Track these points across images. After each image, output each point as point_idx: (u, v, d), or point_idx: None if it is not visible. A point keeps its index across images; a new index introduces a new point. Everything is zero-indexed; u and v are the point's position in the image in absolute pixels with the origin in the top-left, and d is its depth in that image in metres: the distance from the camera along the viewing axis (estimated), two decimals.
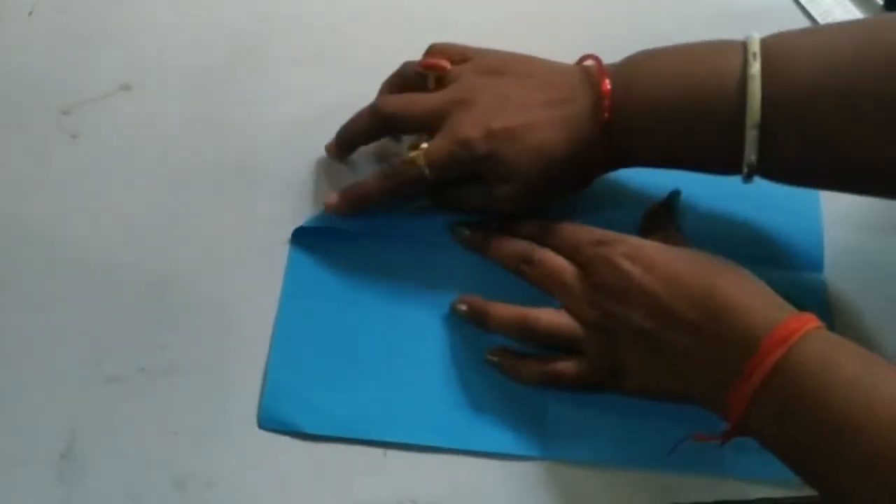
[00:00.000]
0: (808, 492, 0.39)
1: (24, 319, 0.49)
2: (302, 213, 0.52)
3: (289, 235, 0.52)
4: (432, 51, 0.51)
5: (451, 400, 0.47)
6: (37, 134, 0.55)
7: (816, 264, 0.51)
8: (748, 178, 0.44)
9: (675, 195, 0.50)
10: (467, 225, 0.50)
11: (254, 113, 0.56)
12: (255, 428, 0.47)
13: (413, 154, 0.47)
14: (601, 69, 0.46)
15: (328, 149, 0.53)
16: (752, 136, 0.42)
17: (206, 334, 0.49)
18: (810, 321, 0.39)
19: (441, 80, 0.49)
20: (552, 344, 0.46)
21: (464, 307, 0.48)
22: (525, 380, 0.47)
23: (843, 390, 0.37)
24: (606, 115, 0.45)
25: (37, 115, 0.56)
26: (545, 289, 0.47)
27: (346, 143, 0.52)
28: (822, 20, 0.61)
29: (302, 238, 0.52)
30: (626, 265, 0.44)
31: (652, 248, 0.45)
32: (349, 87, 0.56)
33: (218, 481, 0.46)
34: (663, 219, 0.50)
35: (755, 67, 0.42)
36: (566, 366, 0.46)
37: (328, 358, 0.48)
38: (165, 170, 0.54)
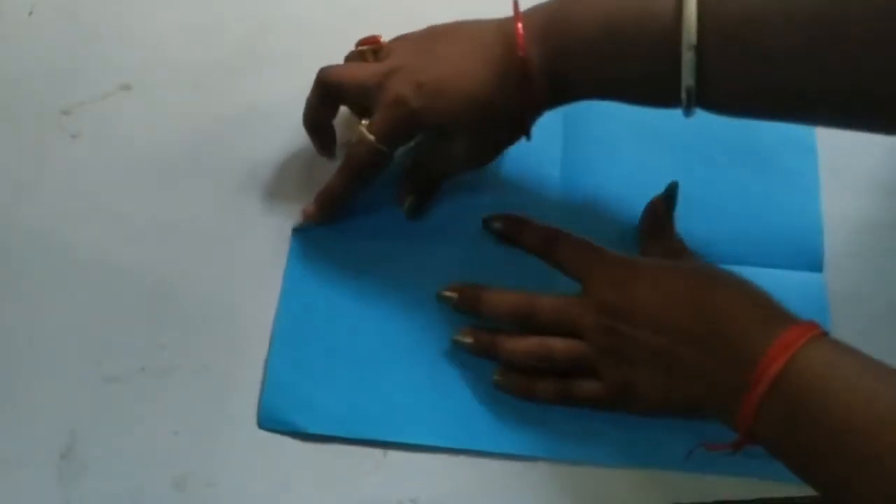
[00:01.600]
0: (808, 492, 0.39)
1: (24, 319, 0.49)
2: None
3: (289, 235, 0.52)
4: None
5: (452, 400, 0.47)
6: (37, 134, 0.55)
7: (816, 264, 0.51)
8: (688, 107, 0.43)
9: (673, 186, 0.50)
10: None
11: (254, 113, 0.56)
12: (255, 428, 0.47)
13: (358, 133, 0.48)
14: (516, 11, 0.46)
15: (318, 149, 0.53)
16: (688, 57, 0.41)
17: (206, 334, 0.49)
18: (811, 329, 0.39)
19: (378, 55, 0.51)
20: (572, 370, 0.46)
21: (470, 339, 0.48)
22: (539, 400, 0.47)
23: (846, 395, 0.37)
24: (521, 53, 0.45)
25: (37, 115, 0.56)
26: (554, 326, 0.46)
27: (309, 127, 0.52)
28: None
29: (302, 238, 0.52)
30: (632, 286, 0.44)
31: (654, 267, 0.45)
32: None
33: (218, 481, 0.46)
34: (664, 222, 0.50)
35: None
36: (585, 387, 0.45)
37: (328, 357, 0.48)
38: (165, 170, 0.54)
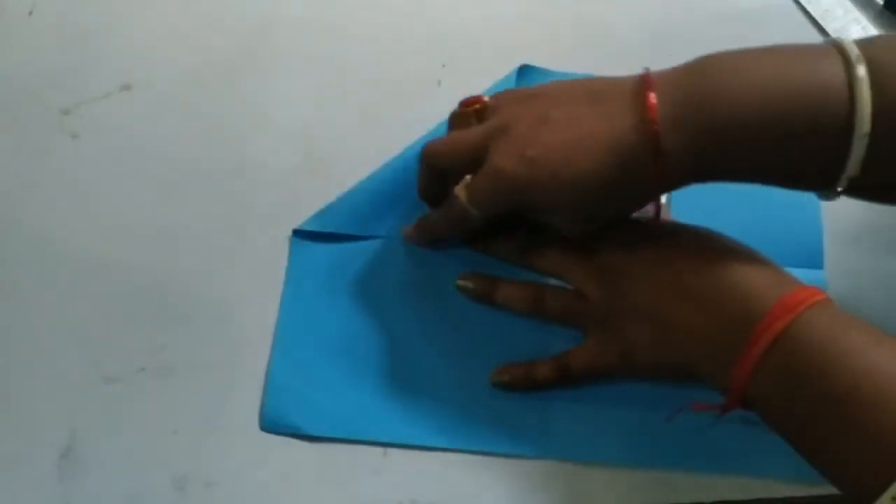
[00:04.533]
0: (809, 492, 0.39)
1: (23, 319, 0.49)
2: (302, 213, 0.52)
3: (289, 235, 0.52)
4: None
5: (451, 400, 0.47)
6: (37, 134, 0.55)
7: (816, 262, 0.51)
8: (837, 195, 0.40)
9: None
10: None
11: (253, 113, 0.56)
12: (256, 428, 0.47)
13: (457, 189, 0.45)
14: (646, 79, 0.41)
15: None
16: (859, 146, 0.38)
17: (206, 334, 0.49)
18: (817, 293, 0.39)
19: (482, 114, 0.47)
20: (562, 321, 0.47)
21: (471, 284, 0.49)
22: (542, 383, 0.47)
23: (848, 363, 0.36)
24: (655, 127, 0.40)
25: (37, 115, 0.56)
26: (552, 273, 0.48)
27: (424, 200, 0.50)
28: (822, 20, 0.61)
29: (302, 238, 0.52)
30: (631, 246, 0.44)
31: (655, 229, 0.45)
32: (349, 88, 0.56)
33: (218, 481, 0.46)
34: (660, 215, 0.50)
35: (861, 70, 0.38)
36: (579, 354, 0.46)
37: (328, 359, 0.48)
38: (165, 169, 0.54)
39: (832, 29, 0.61)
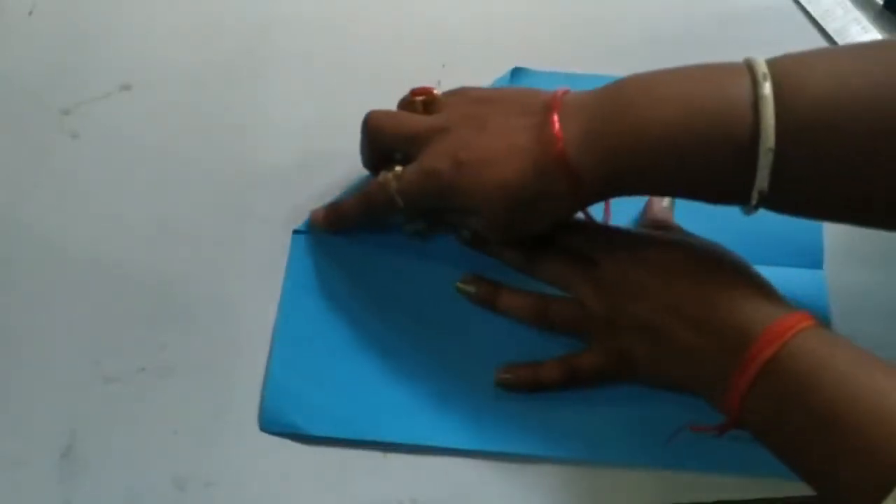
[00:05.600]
0: (808, 492, 0.39)
1: (23, 319, 0.49)
2: (302, 213, 0.52)
3: (289, 236, 0.52)
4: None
5: (452, 400, 0.47)
6: (37, 134, 0.55)
7: (816, 261, 0.51)
8: (754, 208, 0.41)
9: None
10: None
11: (253, 113, 0.56)
12: (256, 428, 0.47)
13: (383, 177, 0.47)
14: (554, 101, 0.43)
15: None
16: (765, 161, 0.39)
17: (206, 334, 0.49)
18: (805, 319, 0.40)
19: (430, 107, 0.48)
20: (565, 331, 0.47)
21: (473, 288, 0.49)
22: (546, 384, 0.47)
23: (834, 387, 0.37)
24: (558, 147, 0.42)
25: (37, 115, 0.56)
26: (555, 284, 0.48)
27: (366, 167, 0.51)
28: (822, 20, 0.61)
29: (302, 238, 0.52)
30: (634, 262, 0.44)
31: (658, 243, 0.45)
32: (349, 88, 0.56)
33: (218, 481, 0.46)
34: (664, 218, 0.50)
35: (766, 88, 0.39)
36: (584, 359, 0.46)
37: (328, 358, 0.48)
38: (165, 170, 0.54)
39: (832, 29, 0.61)
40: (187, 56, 0.58)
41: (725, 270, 0.43)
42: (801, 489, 0.40)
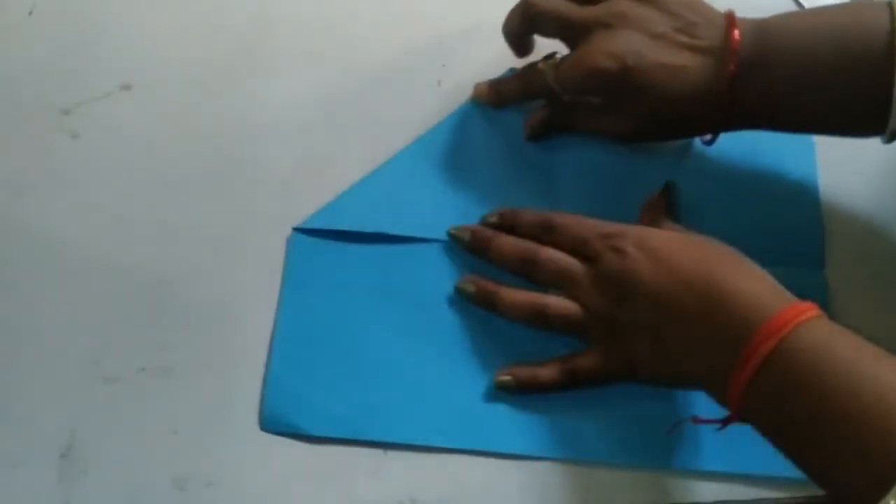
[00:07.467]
0: (808, 492, 0.39)
1: (23, 319, 0.49)
2: (302, 213, 0.52)
3: (289, 235, 0.52)
4: None
5: (452, 400, 0.47)
6: (37, 134, 0.55)
7: (817, 261, 0.51)
8: (889, 140, 0.44)
9: (671, 186, 0.51)
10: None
11: (253, 113, 0.56)
12: (256, 428, 0.47)
13: (542, 66, 0.49)
14: (732, 19, 0.46)
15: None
16: None
17: (206, 334, 0.49)
18: (809, 309, 0.39)
19: None
20: (564, 332, 0.47)
21: (472, 288, 0.49)
22: (546, 385, 0.47)
23: (836, 379, 0.37)
24: (732, 67, 0.45)
25: (37, 115, 0.56)
26: (553, 285, 0.48)
27: (506, 35, 0.52)
28: None
29: (302, 238, 0.52)
30: (634, 258, 0.44)
31: (657, 239, 0.45)
32: (349, 87, 0.56)
33: (218, 481, 0.46)
34: (663, 209, 0.50)
35: None
36: (584, 360, 0.46)
37: (328, 358, 0.48)
38: (165, 169, 0.54)
39: None
40: (187, 56, 0.58)
41: (725, 263, 0.43)
42: (801, 490, 0.40)
